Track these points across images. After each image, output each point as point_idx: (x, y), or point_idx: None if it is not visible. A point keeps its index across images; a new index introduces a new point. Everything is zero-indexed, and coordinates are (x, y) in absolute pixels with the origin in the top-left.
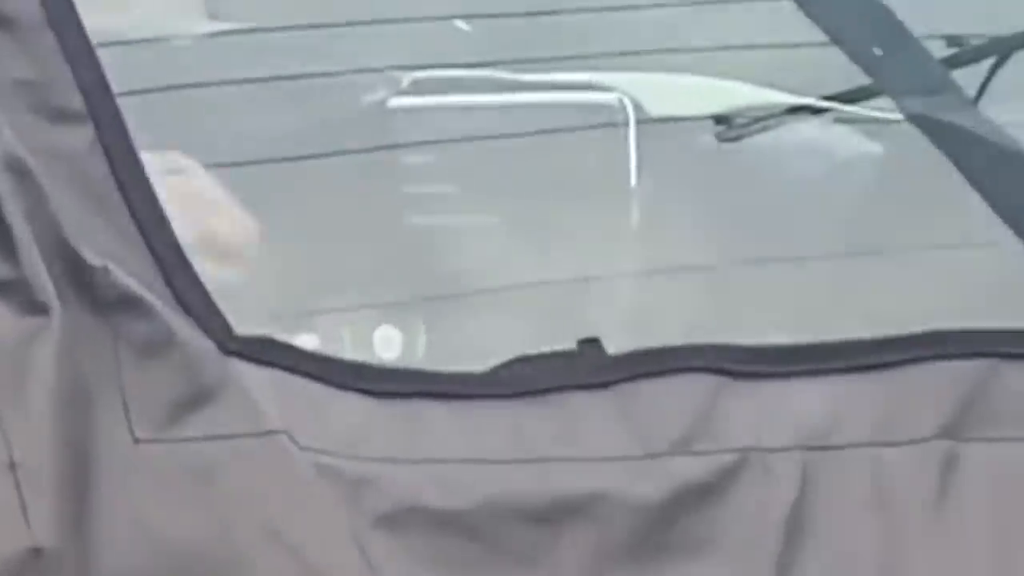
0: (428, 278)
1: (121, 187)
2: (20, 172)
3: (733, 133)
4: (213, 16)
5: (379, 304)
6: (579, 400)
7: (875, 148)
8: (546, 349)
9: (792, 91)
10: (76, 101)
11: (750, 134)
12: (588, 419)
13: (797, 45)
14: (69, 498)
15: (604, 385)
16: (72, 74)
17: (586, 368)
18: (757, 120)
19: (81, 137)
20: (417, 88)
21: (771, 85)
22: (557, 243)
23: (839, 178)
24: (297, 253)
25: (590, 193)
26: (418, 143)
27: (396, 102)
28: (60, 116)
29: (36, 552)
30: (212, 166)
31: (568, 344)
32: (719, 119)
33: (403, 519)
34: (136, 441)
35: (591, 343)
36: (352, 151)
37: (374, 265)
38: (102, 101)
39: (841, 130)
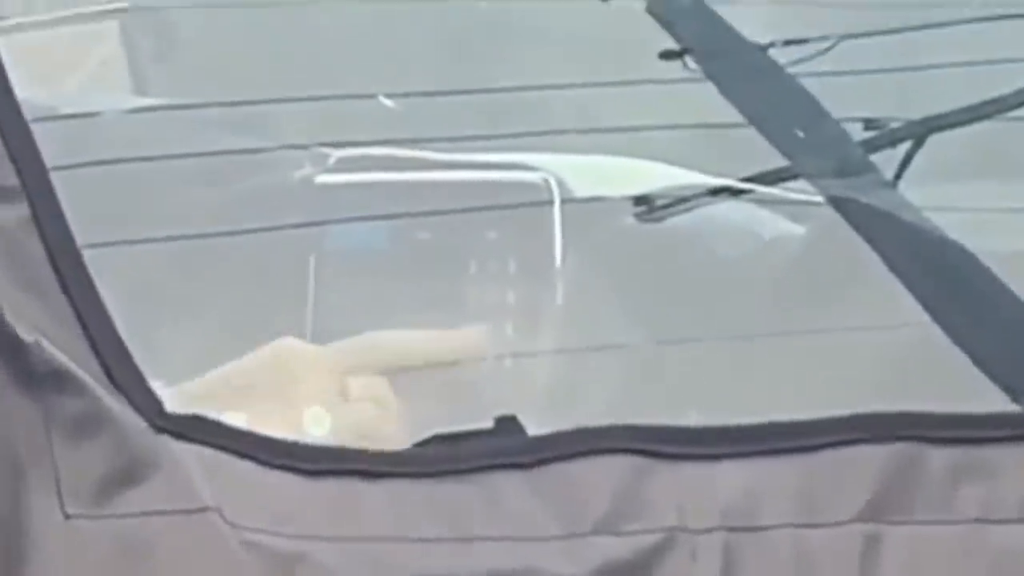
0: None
1: (54, 264)
2: None
3: (654, 214)
4: (140, 92)
5: None
6: (503, 480)
7: (796, 229)
8: (464, 427)
9: (713, 172)
10: (10, 178)
11: (671, 215)
12: (512, 498)
13: (718, 126)
14: None
15: (528, 465)
16: (6, 150)
17: (510, 448)
18: (678, 201)
19: (14, 213)
20: (344, 165)
21: (692, 166)
22: (478, 321)
23: (760, 259)
24: (222, 329)
25: (514, 272)
26: (344, 220)
27: (324, 179)
28: None
29: None
30: (139, 242)
31: (486, 422)
32: (639, 199)
33: None
34: (67, 517)
35: (508, 420)
36: (279, 227)
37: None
38: (36, 178)
39: (762, 211)
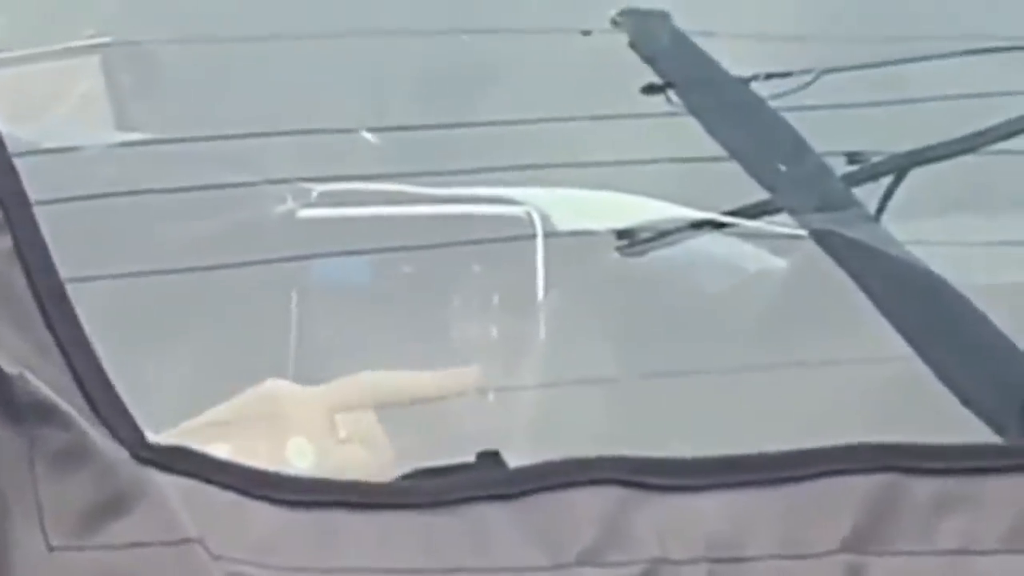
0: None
1: (37, 297)
2: None
3: (637, 247)
4: (122, 126)
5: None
6: (487, 511)
7: (778, 263)
8: (446, 462)
9: (695, 206)
10: None
11: (654, 248)
12: (496, 530)
13: (700, 160)
14: None
15: (512, 496)
16: None
17: (494, 479)
18: (661, 234)
19: None
20: (326, 200)
21: (674, 200)
22: (462, 355)
23: (743, 292)
24: (205, 363)
25: (497, 305)
26: (326, 254)
27: (306, 213)
28: None
29: None
30: (122, 276)
31: (468, 456)
32: (622, 233)
33: None
34: (51, 549)
35: (490, 455)
36: (260, 262)
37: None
38: (19, 212)
39: (745, 245)
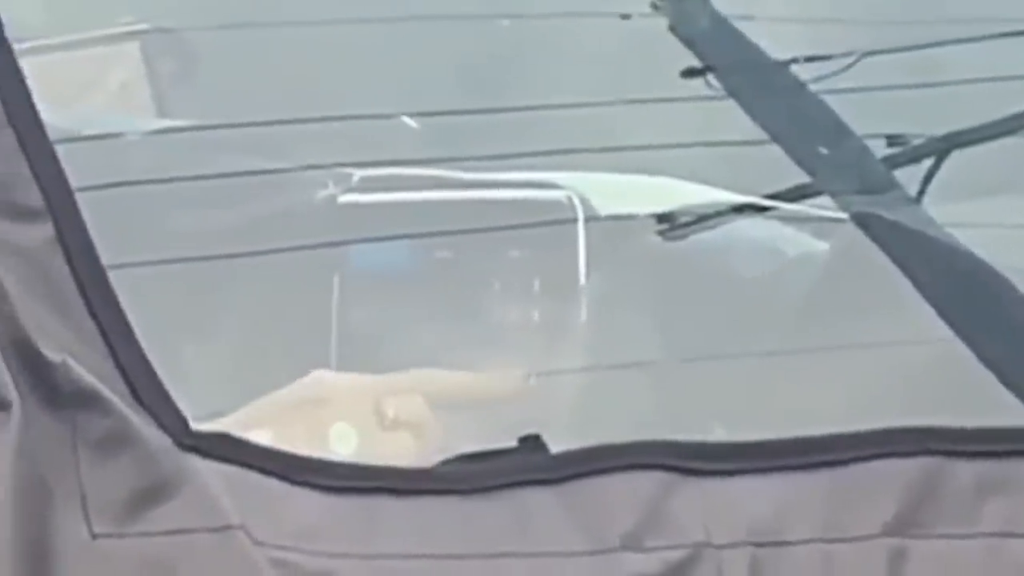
0: (374, 372)
1: (79, 284)
2: None
3: (677, 231)
4: (162, 113)
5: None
6: (530, 496)
7: (820, 246)
8: (488, 447)
9: (736, 189)
10: (35, 198)
11: (694, 232)
12: (539, 515)
13: (740, 143)
14: None
15: (555, 481)
16: (31, 171)
17: (536, 465)
18: (701, 218)
19: (40, 234)
20: (367, 185)
21: (715, 183)
22: (503, 340)
23: (784, 276)
24: (246, 349)
25: (538, 290)
26: (368, 240)
27: (346, 199)
28: (19, 213)
29: None
30: (162, 263)
31: (511, 441)
32: (662, 217)
33: None
34: (94, 536)
35: (532, 439)
36: (301, 247)
37: (322, 361)
38: (61, 198)
39: (785, 228)
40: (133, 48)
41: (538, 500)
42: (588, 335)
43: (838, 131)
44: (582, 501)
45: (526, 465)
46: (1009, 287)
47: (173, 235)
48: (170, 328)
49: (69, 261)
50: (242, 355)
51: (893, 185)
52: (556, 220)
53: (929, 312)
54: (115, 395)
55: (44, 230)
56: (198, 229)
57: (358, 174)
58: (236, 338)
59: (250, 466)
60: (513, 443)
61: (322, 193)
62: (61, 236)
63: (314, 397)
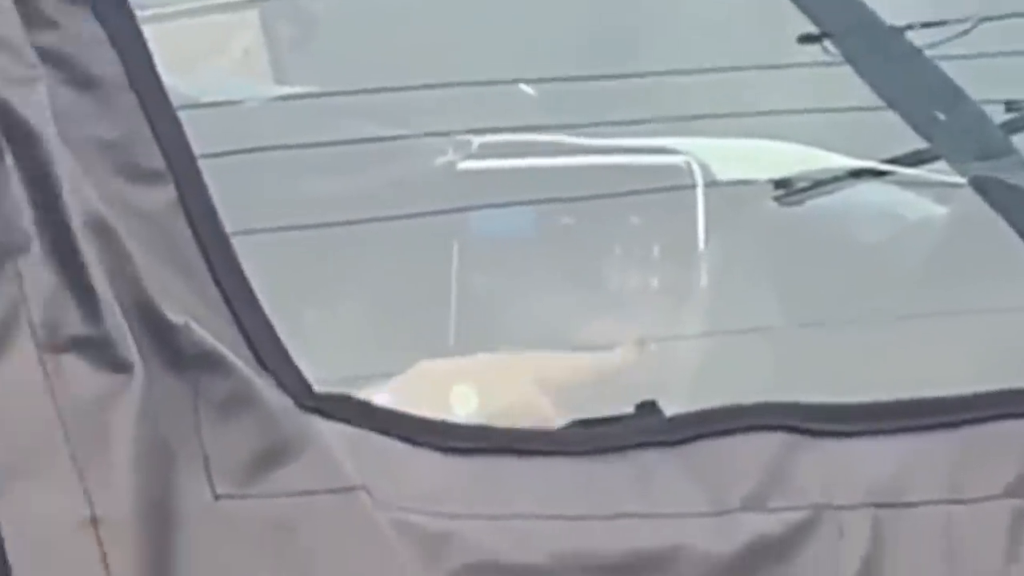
0: (493, 338)
1: (202, 248)
2: (103, 231)
3: (795, 196)
4: (281, 80)
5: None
6: (651, 457)
7: (938, 211)
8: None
9: (853, 155)
10: (157, 161)
11: (812, 197)
12: (660, 476)
13: (857, 109)
14: (150, 553)
15: (676, 443)
16: (154, 134)
17: (659, 426)
18: (819, 183)
19: (162, 196)
20: (486, 152)
21: (832, 148)
22: (622, 305)
23: (902, 241)
24: (366, 316)
25: (657, 255)
26: (487, 206)
27: (466, 165)
28: (142, 176)
29: None
30: (282, 229)
31: (628, 407)
32: (780, 182)
33: (479, 574)
34: (216, 497)
35: (648, 405)
36: (421, 214)
37: (441, 328)
38: (183, 161)
39: (904, 193)
40: (253, 15)
41: (659, 462)
42: (707, 301)
43: (955, 97)
44: (703, 462)
45: (646, 427)
46: None
47: (293, 202)
48: (291, 294)
49: (191, 223)
50: (362, 321)
51: (1011, 150)
52: (675, 186)
53: None
54: (237, 358)
55: (166, 192)
56: (318, 196)
57: (477, 141)
58: (356, 305)
59: (371, 427)
60: (630, 410)
61: (441, 160)
62: (183, 198)
63: (425, 385)
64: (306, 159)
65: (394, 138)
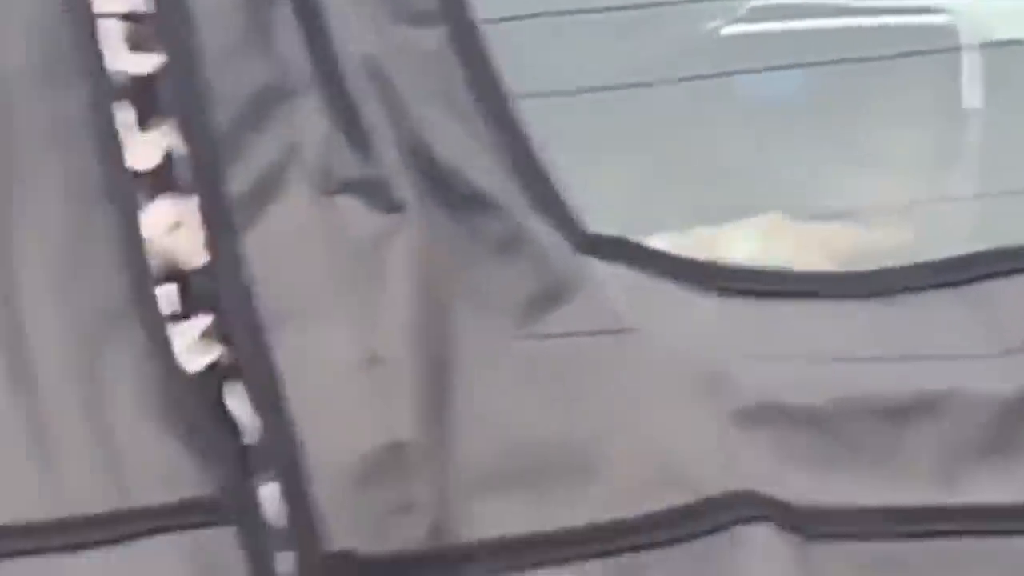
0: (762, 203)
1: (474, 87)
2: (377, 73)
3: None
4: None
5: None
6: (933, 299)
7: None
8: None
9: None
10: (431, 2)
11: None
12: (943, 318)
13: None
14: (429, 393)
15: (959, 283)
16: None
17: (941, 267)
18: None
19: (435, 38)
20: (753, 15)
21: None
22: (891, 167)
23: None
24: (636, 177)
25: (923, 116)
26: (751, 70)
27: (731, 29)
28: (416, 17)
29: (397, 446)
30: (543, 95)
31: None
32: None
33: (758, 415)
34: (493, 337)
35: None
36: (689, 78)
37: (709, 189)
38: (455, 3)
39: None
40: None
41: (942, 303)
42: (976, 161)
43: None
44: (987, 303)
45: (930, 268)
46: None
47: (560, 66)
48: (558, 153)
49: (464, 64)
50: (630, 180)
51: None
52: (942, 48)
53: None
54: (511, 199)
55: (439, 34)
56: (587, 60)
57: (746, 5)
58: (623, 167)
59: (646, 269)
60: None
61: (709, 24)
62: (455, 40)
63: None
64: (575, 24)
65: (663, 3)
